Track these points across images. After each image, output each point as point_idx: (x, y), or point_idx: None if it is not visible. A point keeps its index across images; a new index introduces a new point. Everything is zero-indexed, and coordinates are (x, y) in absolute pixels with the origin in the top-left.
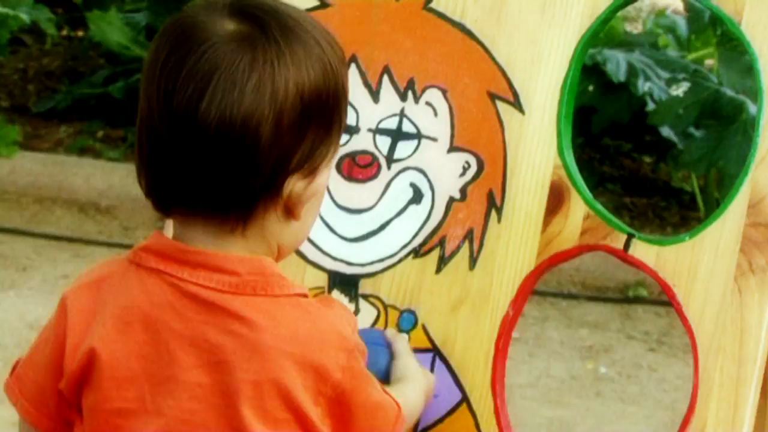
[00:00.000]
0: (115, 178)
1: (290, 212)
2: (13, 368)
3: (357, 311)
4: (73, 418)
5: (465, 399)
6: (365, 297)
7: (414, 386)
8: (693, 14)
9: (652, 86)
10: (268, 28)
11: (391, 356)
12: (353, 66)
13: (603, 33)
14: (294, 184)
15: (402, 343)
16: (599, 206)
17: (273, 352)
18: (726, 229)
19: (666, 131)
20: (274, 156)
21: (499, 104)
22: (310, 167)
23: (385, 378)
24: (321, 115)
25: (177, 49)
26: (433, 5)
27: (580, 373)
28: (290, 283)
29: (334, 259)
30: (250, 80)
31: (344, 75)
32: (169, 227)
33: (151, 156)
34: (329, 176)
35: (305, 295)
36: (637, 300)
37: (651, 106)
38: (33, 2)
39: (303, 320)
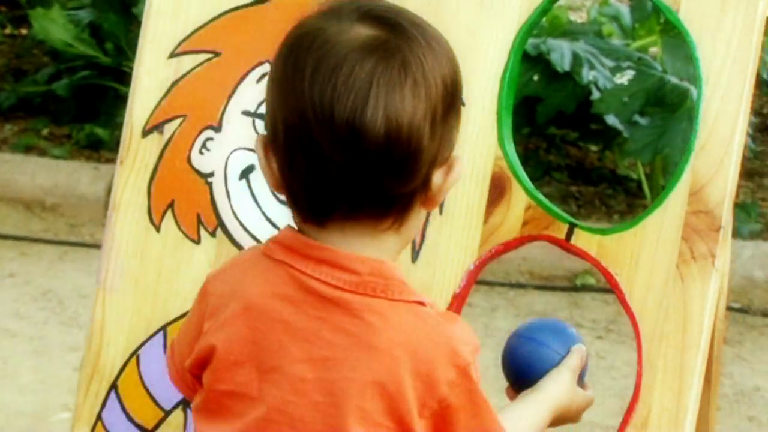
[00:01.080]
0: (61, 176)
1: (430, 203)
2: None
3: None
4: (194, 390)
5: None
6: None
7: (538, 408)
8: (636, 3)
9: (597, 75)
10: (404, 29)
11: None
12: None
13: (547, 23)
14: (438, 176)
15: (572, 359)
16: (541, 196)
17: (384, 356)
18: (667, 217)
19: (611, 120)
20: (432, 152)
21: None
22: (449, 157)
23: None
24: (456, 104)
25: (322, 60)
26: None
27: None
28: (411, 289)
29: None
30: (407, 81)
31: (459, 67)
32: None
33: (308, 168)
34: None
35: (424, 304)
36: (585, 288)
37: (596, 94)
38: None
39: (418, 328)
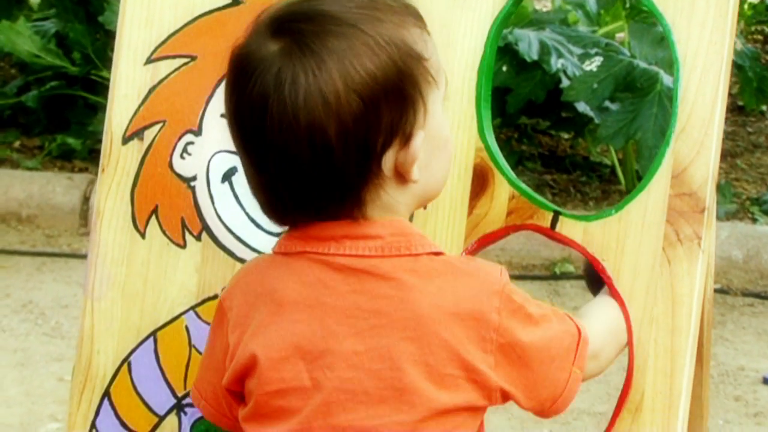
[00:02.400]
0: (35, 187)
1: (403, 179)
2: None
3: None
4: (235, 411)
5: None
6: None
7: (601, 314)
8: None
9: (565, 63)
10: (303, 37)
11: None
12: None
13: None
14: (393, 158)
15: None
16: (523, 186)
17: (428, 309)
18: (651, 201)
19: (582, 107)
20: (352, 151)
21: None
22: (402, 138)
23: None
24: (389, 93)
25: (237, 80)
26: None
27: None
28: (428, 240)
29: (261, 253)
30: (299, 97)
31: (405, 40)
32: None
33: (252, 178)
34: (438, 123)
35: (443, 253)
36: (564, 276)
37: (565, 82)
38: None
39: (451, 274)
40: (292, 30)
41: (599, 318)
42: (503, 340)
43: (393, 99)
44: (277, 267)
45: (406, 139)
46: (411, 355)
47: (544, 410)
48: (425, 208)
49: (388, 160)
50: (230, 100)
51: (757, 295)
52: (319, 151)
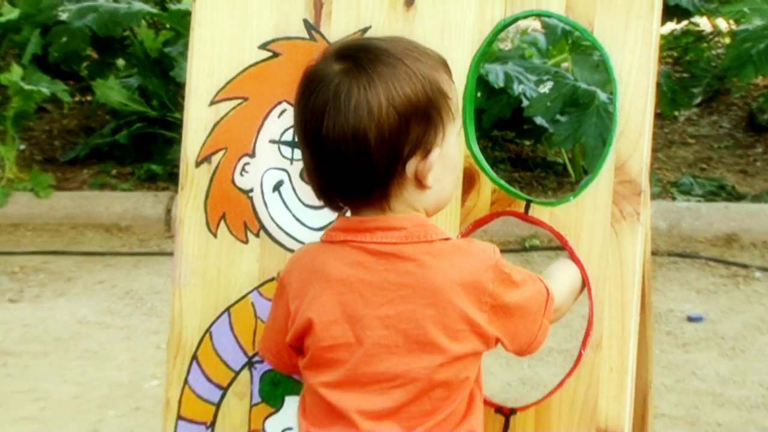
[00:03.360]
0: (129, 204)
1: (420, 184)
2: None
3: None
4: (297, 360)
5: None
6: None
7: (563, 274)
8: (549, 30)
9: (525, 88)
10: (360, 61)
11: None
12: None
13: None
14: (414, 165)
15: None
16: (502, 182)
17: (441, 281)
18: (600, 188)
19: (539, 120)
20: (385, 153)
21: None
22: (423, 151)
23: None
24: (418, 114)
25: (305, 90)
26: None
27: None
28: (440, 229)
29: (305, 243)
30: (350, 104)
31: (436, 79)
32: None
33: (310, 168)
34: (451, 149)
35: (450, 238)
36: (533, 248)
37: (525, 102)
38: (50, 78)
39: (457, 254)
40: (353, 56)
41: (560, 279)
42: (495, 303)
43: (421, 118)
44: (325, 252)
45: (426, 152)
46: (430, 317)
47: (523, 352)
48: None
49: (410, 166)
50: (298, 106)
51: (679, 255)
52: (360, 149)
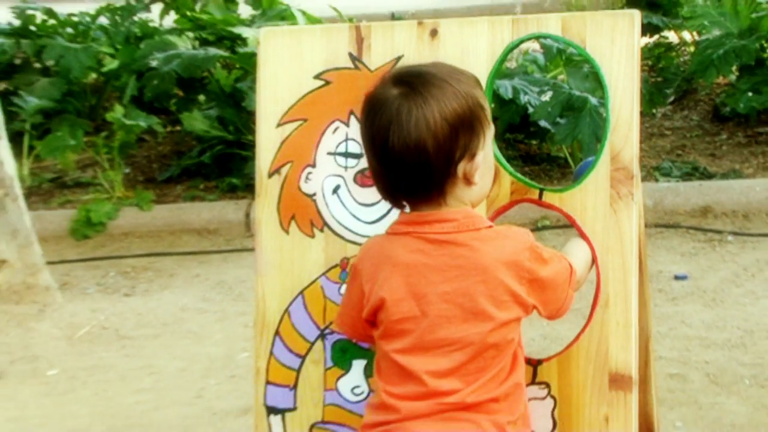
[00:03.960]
0: (215, 211)
1: (468, 181)
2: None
3: None
4: (371, 332)
5: None
6: None
7: (579, 252)
8: (546, 50)
9: (529, 98)
10: (414, 85)
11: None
12: (352, 117)
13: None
14: (463, 167)
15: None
16: (519, 175)
17: (489, 262)
18: (599, 175)
19: (542, 123)
20: (441, 160)
21: None
22: (470, 154)
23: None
24: (464, 124)
25: (370, 112)
26: None
27: None
28: (485, 219)
29: (361, 236)
30: (411, 120)
31: (476, 95)
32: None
33: (378, 174)
34: (490, 151)
35: (492, 226)
36: (545, 228)
37: (530, 109)
38: (146, 114)
39: (499, 239)
40: (408, 82)
41: (577, 255)
42: (531, 277)
43: (467, 128)
44: (391, 242)
45: (472, 155)
46: (482, 292)
47: (553, 316)
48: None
49: (460, 168)
50: (365, 124)
51: (664, 226)
52: (421, 157)
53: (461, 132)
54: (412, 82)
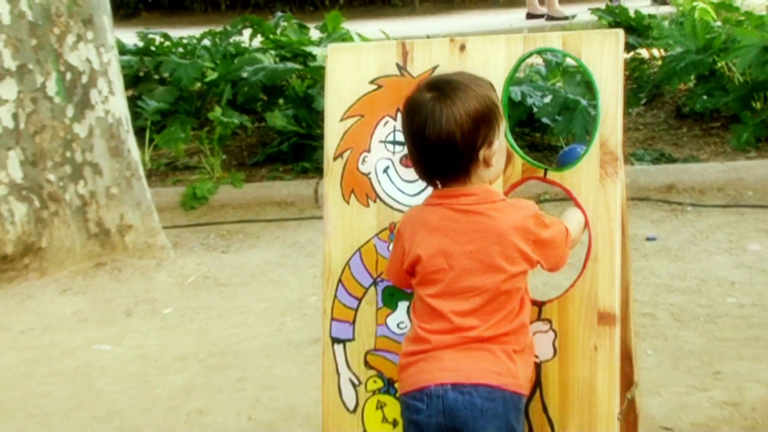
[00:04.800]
0: (291, 188)
1: (487, 164)
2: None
3: None
4: (410, 280)
5: None
6: None
7: (574, 218)
8: (547, 63)
9: (534, 100)
10: (444, 90)
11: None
12: (398, 113)
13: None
14: (483, 153)
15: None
16: (528, 158)
17: (503, 227)
18: (591, 158)
19: (545, 119)
20: (467, 147)
21: None
22: (488, 143)
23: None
24: (483, 119)
25: (410, 112)
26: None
27: None
28: (500, 193)
29: (405, 205)
30: (442, 117)
31: (492, 96)
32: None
33: (416, 161)
34: (503, 139)
35: (505, 199)
36: (545, 201)
37: (535, 109)
38: (239, 113)
39: (511, 209)
40: (438, 87)
41: (573, 221)
42: (535, 238)
43: (486, 122)
44: (426, 211)
45: (490, 143)
46: (497, 251)
47: (553, 269)
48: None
49: (481, 154)
50: (406, 121)
51: (638, 199)
52: (451, 146)
53: (481, 125)
54: (442, 87)
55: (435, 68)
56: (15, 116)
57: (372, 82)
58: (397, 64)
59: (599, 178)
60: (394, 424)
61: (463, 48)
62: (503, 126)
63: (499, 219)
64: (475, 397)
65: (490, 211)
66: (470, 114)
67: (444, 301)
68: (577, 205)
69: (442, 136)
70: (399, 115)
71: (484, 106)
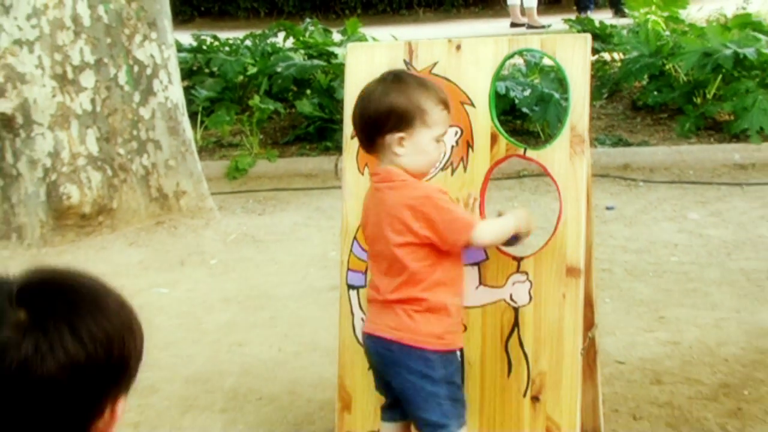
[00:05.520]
0: (316, 163)
1: (395, 153)
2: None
3: None
4: None
5: None
6: None
7: (495, 222)
8: (527, 63)
9: (516, 93)
10: (386, 79)
11: None
12: None
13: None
14: (389, 138)
15: (517, 212)
16: (511, 139)
17: (392, 203)
18: (563, 139)
19: (525, 109)
20: (373, 127)
21: (467, 107)
22: (398, 133)
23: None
24: (397, 112)
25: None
26: (434, 71)
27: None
28: (401, 174)
29: None
30: (369, 98)
31: (421, 100)
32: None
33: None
34: (422, 140)
35: (406, 181)
36: (524, 176)
37: (517, 101)
38: (273, 101)
39: (406, 188)
40: (386, 77)
41: (491, 223)
42: (425, 217)
43: (399, 115)
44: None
45: (401, 137)
46: (386, 223)
47: (448, 249)
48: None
49: (387, 138)
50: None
51: (600, 176)
52: (361, 122)
53: (392, 115)
54: (387, 77)
55: (435, 64)
56: (92, 101)
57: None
58: (405, 60)
59: (569, 156)
60: None
61: (458, 47)
62: (428, 131)
63: (391, 196)
64: (379, 346)
65: (385, 189)
66: (390, 102)
67: (372, 263)
68: (551, 177)
69: (357, 112)
70: None
71: (405, 103)
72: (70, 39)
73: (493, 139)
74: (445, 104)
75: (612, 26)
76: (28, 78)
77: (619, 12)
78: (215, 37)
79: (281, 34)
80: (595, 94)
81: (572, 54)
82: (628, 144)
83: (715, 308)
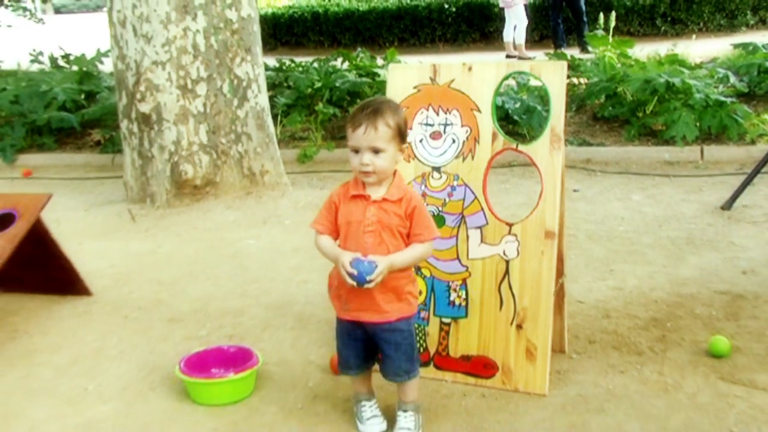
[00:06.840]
0: (339, 153)
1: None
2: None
3: (440, 177)
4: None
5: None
6: (440, 171)
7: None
8: (518, 84)
9: (509, 105)
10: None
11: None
12: (430, 107)
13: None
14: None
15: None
16: (509, 137)
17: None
18: (545, 138)
19: (516, 117)
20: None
21: (475, 112)
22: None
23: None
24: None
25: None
26: (452, 86)
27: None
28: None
29: (432, 163)
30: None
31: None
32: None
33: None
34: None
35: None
36: (514, 165)
37: (510, 111)
38: (332, 107)
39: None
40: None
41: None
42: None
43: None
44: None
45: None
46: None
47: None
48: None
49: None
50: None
51: (569, 167)
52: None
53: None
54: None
55: (452, 80)
56: (204, 105)
57: (414, 87)
58: (430, 78)
59: (549, 150)
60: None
61: (470, 69)
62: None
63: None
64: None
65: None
66: (392, 117)
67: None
68: (536, 167)
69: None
70: (430, 108)
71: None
72: (190, 60)
73: (494, 136)
74: (351, 125)
75: (579, 59)
76: (161, 88)
77: (584, 49)
78: (292, 60)
79: (339, 59)
80: (566, 107)
81: (553, 76)
82: (589, 144)
83: (649, 264)
